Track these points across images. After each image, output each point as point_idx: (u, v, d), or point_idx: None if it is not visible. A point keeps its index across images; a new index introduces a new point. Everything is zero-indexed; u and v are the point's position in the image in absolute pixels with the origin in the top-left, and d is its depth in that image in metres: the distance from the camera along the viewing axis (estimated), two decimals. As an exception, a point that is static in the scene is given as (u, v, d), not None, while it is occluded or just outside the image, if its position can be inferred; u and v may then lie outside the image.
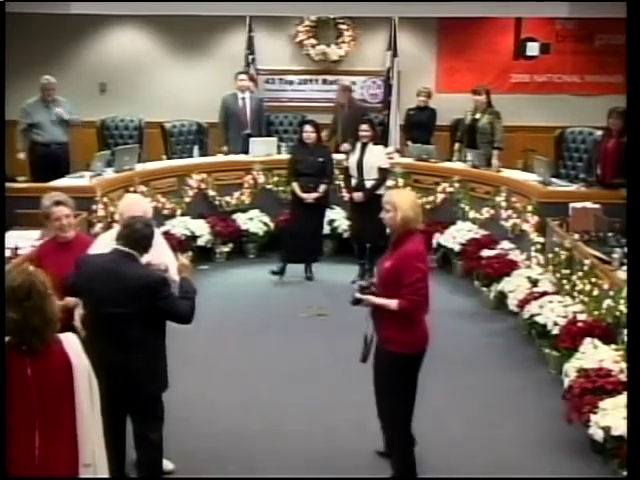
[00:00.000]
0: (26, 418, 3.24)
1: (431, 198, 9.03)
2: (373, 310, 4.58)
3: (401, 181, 9.06)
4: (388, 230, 4.64)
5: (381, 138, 9.88)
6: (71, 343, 3.35)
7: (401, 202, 4.47)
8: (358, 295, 4.54)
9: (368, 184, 8.09)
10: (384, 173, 8.18)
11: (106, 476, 3.49)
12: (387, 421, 4.73)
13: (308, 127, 8.39)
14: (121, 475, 4.37)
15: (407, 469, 4.65)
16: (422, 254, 4.52)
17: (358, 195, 8.16)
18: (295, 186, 8.33)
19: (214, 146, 10.18)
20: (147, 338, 4.19)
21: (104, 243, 4.78)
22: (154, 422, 4.36)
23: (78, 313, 4.55)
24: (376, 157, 8.16)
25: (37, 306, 3.23)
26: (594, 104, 10.14)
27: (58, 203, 4.95)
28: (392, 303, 4.39)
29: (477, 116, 9.07)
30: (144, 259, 4.28)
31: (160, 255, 4.54)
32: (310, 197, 8.28)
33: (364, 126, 8.22)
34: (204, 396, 5.64)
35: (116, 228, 5.06)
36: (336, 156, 8.72)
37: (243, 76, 9.93)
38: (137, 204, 4.85)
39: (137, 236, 4.22)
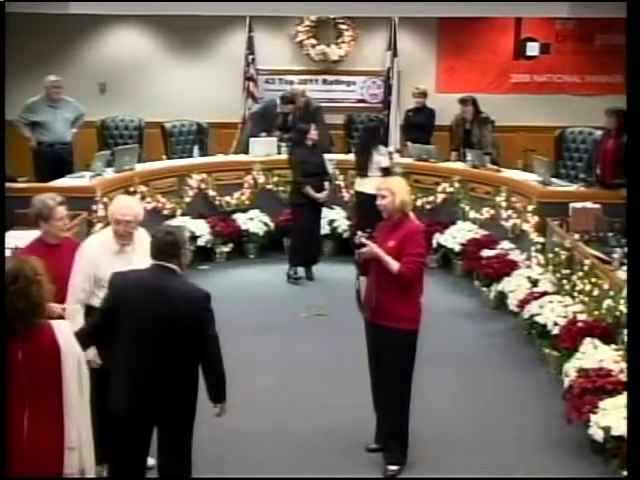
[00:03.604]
0: (17, 400, 3.36)
1: (431, 198, 9.03)
2: (372, 290, 4.77)
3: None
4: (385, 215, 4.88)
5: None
6: (62, 330, 3.45)
7: (397, 188, 4.83)
8: (364, 240, 4.76)
9: None
10: (386, 172, 8.20)
11: (92, 460, 3.55)
12: (393, 399, 4.82)
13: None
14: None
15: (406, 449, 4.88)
16: (424, 233, 5.07)
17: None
18: (308, 189, 8.16)
19: (214, 146, 10.18)
20: (189, 365, 3.95)
21: (94, 247, 4.65)
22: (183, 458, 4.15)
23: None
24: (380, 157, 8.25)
25: (22, 291, 3.33)
26: (594, 104, 10.11)
27: (62, 203, 4.90)
28: (393, 264, 4.66)
29: (467, 126, 9.21)
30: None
31: (146, 256, 4.20)
32: (323, 196, 8.30)
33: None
34: (203, 396, 5.62)
35: (103, 231, 4.97)
36: (335, 156, 8.71)
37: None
38: (127, 207, 4.61)
39: (159, 244, 3.96)
